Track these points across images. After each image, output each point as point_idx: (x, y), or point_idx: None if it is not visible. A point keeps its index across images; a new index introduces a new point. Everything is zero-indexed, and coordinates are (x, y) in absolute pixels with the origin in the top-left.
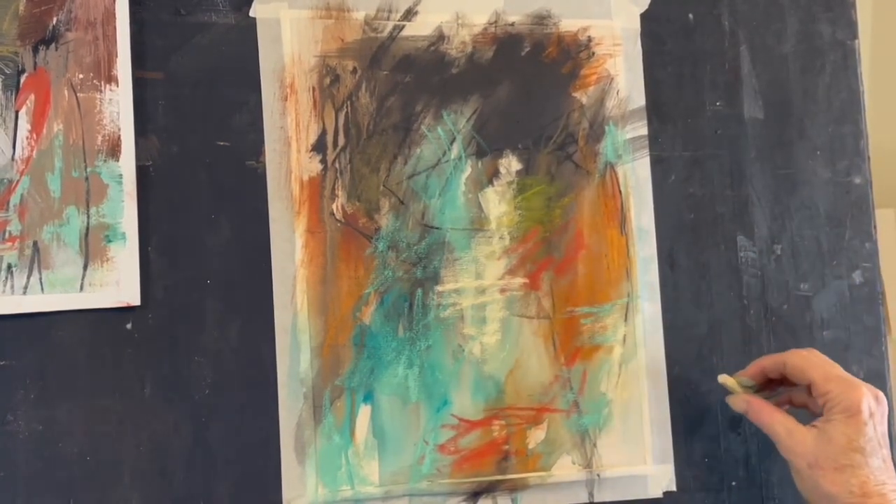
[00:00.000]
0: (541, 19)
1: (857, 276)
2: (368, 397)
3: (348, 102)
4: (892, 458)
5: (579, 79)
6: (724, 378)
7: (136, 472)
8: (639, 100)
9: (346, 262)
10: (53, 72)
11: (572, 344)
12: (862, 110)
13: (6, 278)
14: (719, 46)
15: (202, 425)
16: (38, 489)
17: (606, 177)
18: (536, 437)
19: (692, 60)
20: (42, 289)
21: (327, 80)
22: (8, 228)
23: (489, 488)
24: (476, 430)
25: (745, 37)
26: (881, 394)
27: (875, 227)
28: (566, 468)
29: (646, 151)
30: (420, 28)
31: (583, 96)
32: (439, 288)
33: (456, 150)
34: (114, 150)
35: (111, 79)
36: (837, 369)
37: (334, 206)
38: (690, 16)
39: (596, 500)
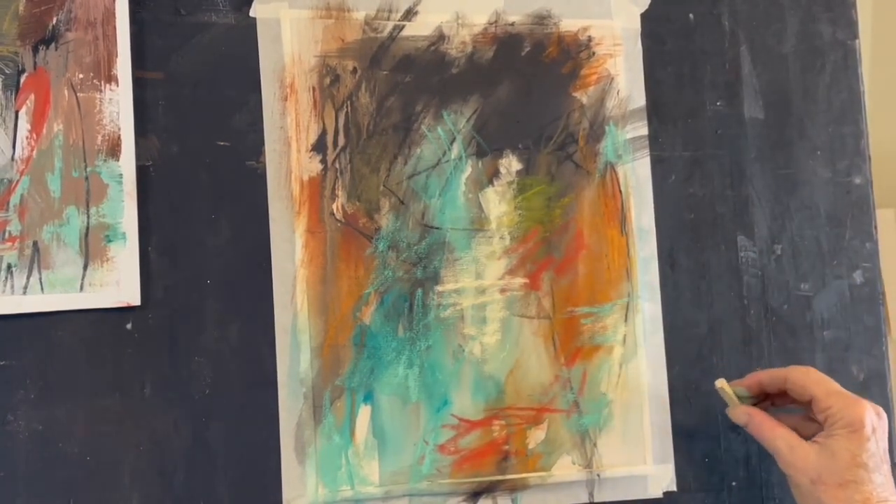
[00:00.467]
0: (541, 19)
1: (858, 276)
2: (368, 397)
3: (348, 102)
4: (894, 474)
5: (579, 79)
6: (721, 383)
7: (136, 472)
8: (639, 100)
9: (347, 262)
10: (53, 72)
11: (572, 344)
12: (862, 110)
13: (6, 278)
14: (719, 46)
15: (202, 425)
16: (38, 489)
17: (607, 177)
18: (536, 437)
19: (692, 60)
20: (42, 289)
21: (327, 80)
22: (8, 228)
23: (489, 488)
24: (476, 430)
25: (745, 37)
26: (882, 410)
27: (875, 227)
28: (566, 468)
29: (646, 151)
30: (420, 28)
31: (583, 96)
32: (439, 288)
33: (456, 150)
34: (114, 150)
35: (111, 79)
36: (838, 386)
37: (334, 206)
38: (691, 16)
39: (596, 500)
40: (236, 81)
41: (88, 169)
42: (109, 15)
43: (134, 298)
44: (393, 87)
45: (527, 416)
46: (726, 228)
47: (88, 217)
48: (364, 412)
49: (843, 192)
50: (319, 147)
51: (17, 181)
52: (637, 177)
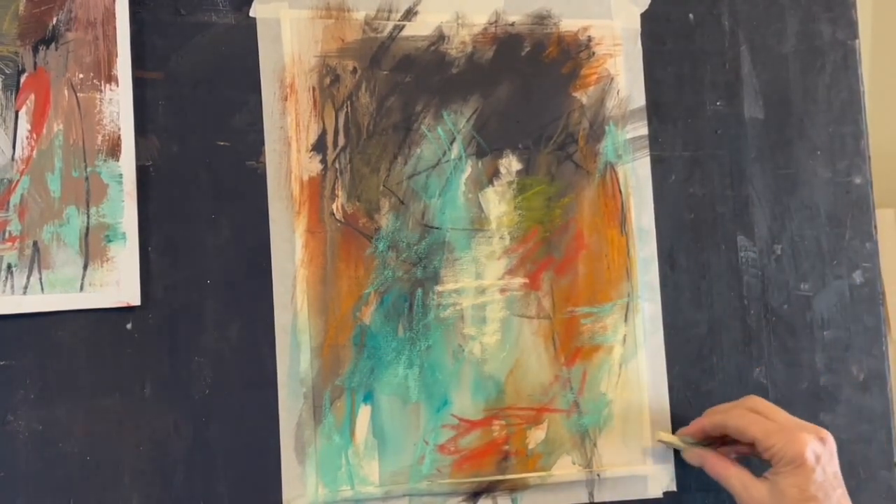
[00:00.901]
0: (541, 19)
1: (858, 276)
2: (368, 397)
3: (348, 102)
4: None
5: (579, 79)
6: (664, 436)
7: (136, 472)
8: (639, 100)
9: (346, 262)
10: (53, 72)
11: (572, 344)
12: (862, 110)
13: (6, 278)
14: (719, 46)
15: (202, 425)
16: (38, 489)
17: (606, 177)
18: (536, 437)
19: (692, 60)
20: (42, 289)
21: (327, 80)
22: (8, 228)
23: (489, 488)
24: (476, 430)
25: (745, 37)
26: (826, 433)
27: (875, 227)
28: (566, 468)
29: (646, 151)
30: (420, 28)
31: (583, 96)
32: (439, 288)
33: (456, 150)
34: (114, 150)
35: (111, 79)
36: (778, 418)
37: (334, 206)
38: (691, 16)
39: (596, 500)
40: (236, 81)
41: (88, 169)
42: (109, 15)
43: (134, 298)
44: (393, 87)
45: (527, 416)
46: (726, 228)
47: (88, 217)
48: (364, 412)
49: (843, 192)
50: (319, 147)
51: (18, 181)
52: (637, 177)
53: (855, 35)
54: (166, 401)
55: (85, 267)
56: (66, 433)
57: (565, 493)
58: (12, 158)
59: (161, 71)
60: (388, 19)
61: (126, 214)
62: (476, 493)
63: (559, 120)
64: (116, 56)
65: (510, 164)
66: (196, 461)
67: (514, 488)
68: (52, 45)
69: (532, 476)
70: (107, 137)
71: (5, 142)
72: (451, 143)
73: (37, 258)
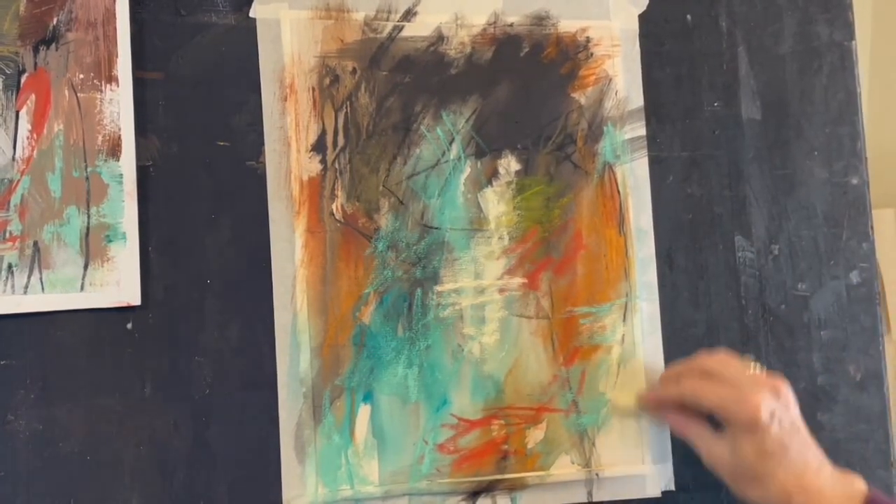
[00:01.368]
0: (539, 20)
1: (855, 276)
2: (368, 397)
3: (348, 103)
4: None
5: (578, 79)
6: (619, 399)
7: (136, 472)
8: (637, 100)
9: (346, 262)
10: (54, 72)
11: (571, 344)
12: (859, 111)
13: (6, 278)
14: (717, 47)
15: (202, 425)
16: (38, 489)
17: (605, 177)
18: (535, 436)
19: (690, 61)
20: (42, 288)
21: (327, 81)
22: (8, 228)
23: (488, 488)
24: (475, 429)
25: (742, 38)
26: (781, 384)
27: (872, 227)
28: (565, 468)
29: (644, 152)
30: (419, 29)
31: (581, 97)
32: (439, 288)
33: (455, 150)
34: (114, 150)
35: (111, 79)
36: (730, 376)
37: (334, 206)
38: (688, 17)
39: (595, 499)
40: (236, 81)
41: (89, 169)
42: (110, 15)
43: (134, 298)
44: (392, 87)
45: (526, 416)
46: (724, 228)
47: (89, 217)
48: (364, 412)
49: (840, 193)
50: (319, 147)
51: (18, 181)
52: (635, 177)
53: (852, 36)
54: (166, 401)
55: (85, 267)
56: (66, 433)
57: (564, 492)
58: (13, 158)
59: (161, 71)
60: (387, 20)
61: (126, 214)
62: (475, 493)
63: (558, 120)
64: (117, 56)
65: (509, 165)
66: (196, 461)
67: (513, 488)
68: (53, 46)
69: (531, 475)
70: (107, 137)
71: (6, 142)
72: (451, 144)
73: (37, 258)
